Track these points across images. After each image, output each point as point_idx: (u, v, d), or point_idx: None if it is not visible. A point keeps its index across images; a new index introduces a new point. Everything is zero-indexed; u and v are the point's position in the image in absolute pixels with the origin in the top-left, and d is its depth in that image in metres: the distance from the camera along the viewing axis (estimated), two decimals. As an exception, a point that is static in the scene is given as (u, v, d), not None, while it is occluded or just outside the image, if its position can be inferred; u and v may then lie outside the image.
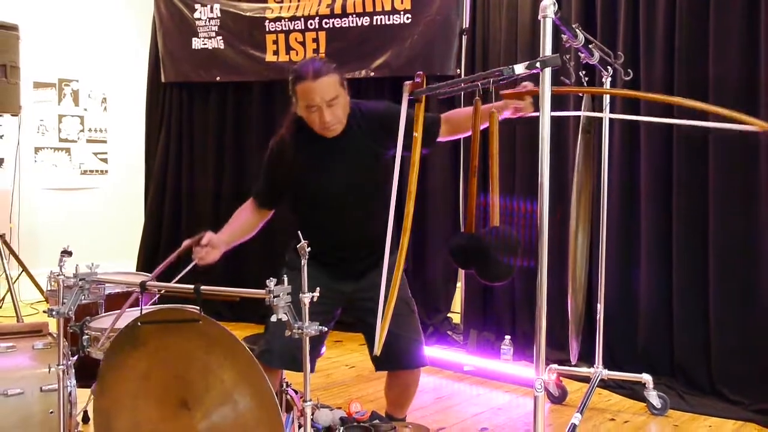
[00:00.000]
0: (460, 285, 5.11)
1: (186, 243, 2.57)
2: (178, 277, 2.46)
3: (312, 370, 2.56)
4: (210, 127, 5.80)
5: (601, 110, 3.72)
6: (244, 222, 2.75)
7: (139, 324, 2.12)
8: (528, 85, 2.56)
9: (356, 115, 2.66)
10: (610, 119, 3.79)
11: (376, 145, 2.66)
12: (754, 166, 3.72)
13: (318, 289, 1.97)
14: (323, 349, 2.89)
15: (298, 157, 2.65)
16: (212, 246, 2.56)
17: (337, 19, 5.20)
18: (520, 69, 2.16)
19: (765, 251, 3.68)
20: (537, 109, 2.24)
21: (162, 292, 2.44)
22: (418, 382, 2.93)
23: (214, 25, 5.65)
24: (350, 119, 2.64)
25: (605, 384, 4.01)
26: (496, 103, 2.58)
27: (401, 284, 2.75)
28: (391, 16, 5.04)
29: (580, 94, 3.56)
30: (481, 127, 2.45)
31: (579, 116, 3.56)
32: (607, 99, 3.71)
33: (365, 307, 2.63)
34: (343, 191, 2.66)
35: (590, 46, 3.14)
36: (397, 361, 2.76)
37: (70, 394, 2.42)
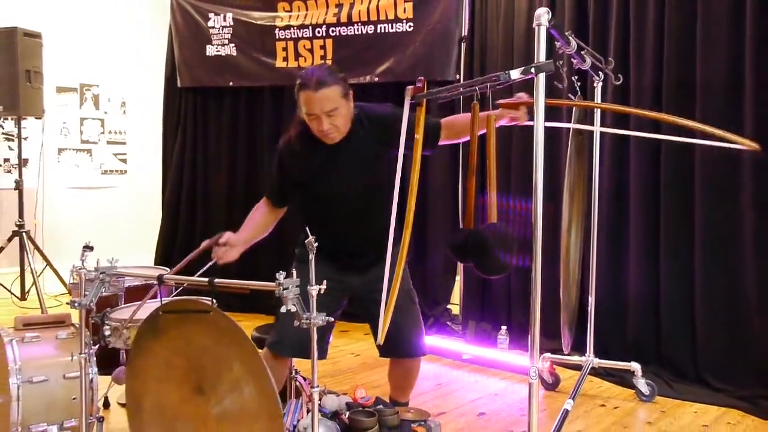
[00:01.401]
0: (459, 278, 5.11)
1: (205, 243, 2.56)
2: (199, 273, 2.45)
3: (323, 357, 2.58)
4: (223, 129, 5.80)
5: (592, 119, 3.72)
6: (259, 221, 2.74)
7: (160, 313, 2.14)
8: (523, 96, 2.56)
9: (361, 119, 2.64)
10: (601, 119, 3.78)
11: (380, 147, 2.64)
12: (738, 167, 3.71)
13: (325, 281, 1.98)
14: (330, 338, 2.89)
15: (306, 158, 2.64)
16: (231, 245, 2.56)
17: (343, 28, 5.20)
18: (515, 74, 2.15)
19: (747, 247, 3.68)
20: (531, 118, 2.24)
21: (185, 285, 2.44)
22: (419, 369, 2.94)
23: (227, 33, 5.65)
24: (354, 124, 2.62)
25: (596, 372, 4.01)
26: (494, 111, 2.58)
27: (404, 276, 2.75)
28: (394, 25, 5.04)
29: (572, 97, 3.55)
30: (480, 132, 2.45)
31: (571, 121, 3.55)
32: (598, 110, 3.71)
33: (370, 298, 2.63)
34: (349, 191, 2.66)
35: (582, 52, 3.13)
36: (399, 350, 2.77)
37: (91, 380, 2.43)
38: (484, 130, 2.42)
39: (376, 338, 2.68)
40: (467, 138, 2.75)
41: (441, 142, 2.77)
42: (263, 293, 2.04)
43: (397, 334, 2.61)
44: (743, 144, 2.47)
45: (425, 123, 2.72)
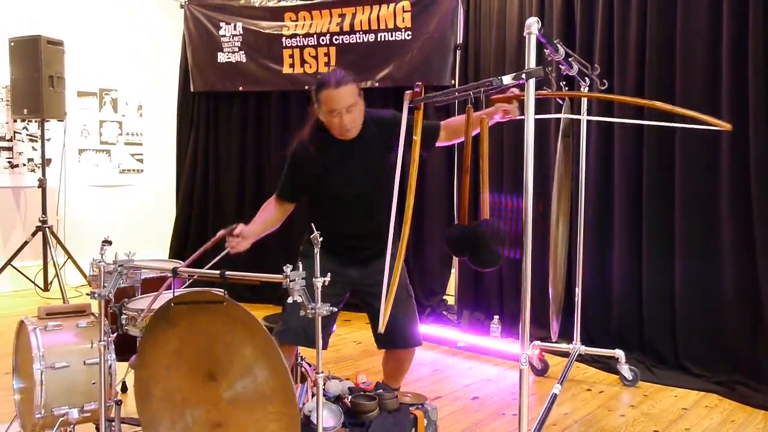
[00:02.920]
0: (454, 271, 5.11)
1: (221, 233, 2.58)
2: (212, 263, 2.50)
3: (325, 347, 2.58)
4: (233, 131, 5.80)
5: (579, 116, 3.71)
6: (269, 216, 2.75)
7: (171, 305, 2.13)
8: (515, 91, 2.57)
9: (367, 122, 2.66)
10: (587, 124, 3.78)
11: (385, 148, 2.66)
12: (716, 165, 3.71)
13: (329, 274, 1.98)
14: (334, 327, 2.90)
15: (319, 158, 2.65)
16: (243, 236, 2.58)
17: (346, 36, 5.19)
18: (507, 80, 2.15)
19: (725, 241, 3.68)
20: (522, 112, 2.25)
21: (195, 277, 2.45)
22: (412, 359, 2.93)
23: (237, 41, 5.64)
24: (363, 125, 2.65)
25: (582, 358, 4.01)
26: (487, 110, 2.59)
27: (402, 272, 2.76)
28: (393, 33, 5.03)
29: (561, 102, 3.55)
30: (473, 133, 2.45)
31: (560, 122, 3.55)
32: (584, 105, 3.71)
33: (370, 291, 2.63)
34: (356, 189, 2.66)
35: (570, 59, 3.12)
36: (395, 341, 2.76)
37: (110, 366, 2.43)
38: (478, 130, 2.42)
39: (375, 329, 2.69)
40: (460, 139, 2.76)
41: (438, 143, 2.78)
42: (272, 285, 2.03)
43: (394, 326, 2.60)
44: (716, 124, 2.51)
45: (426, 125, 2.74)
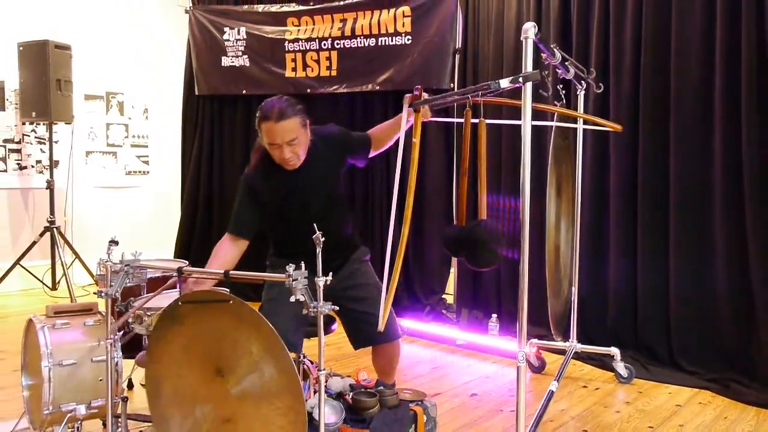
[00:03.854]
0: (453, 270, 5.11)
1: (171, 281, 2.40)
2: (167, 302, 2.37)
3: (294, 351, 2.55)
4: (237, 134, 5.80)
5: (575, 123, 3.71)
6: (225, 257, 2.55)
7: (179, 303, 2.13)
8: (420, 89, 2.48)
9: (316, 143, 2.61)
10: (584, 129, 3.78)
11: (337, 164, 2.66)
12: (709, 168, 3.71)
13: (330, 273, 1.98)
14: (334, 326, 2.90)
15: (270, 184, 2.59)
16: (199, 284, 2.42)
17: (347, 40, 5.19)
18: (505, 83, 2.16)
19: (718, 241, 3.68)
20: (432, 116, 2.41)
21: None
22: (399, 353, 2.89)
23: (241, 46, 5.64)
24: (311, 147, 2.58)
25: (579, 356, 4.01)
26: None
27: (369, 271, 2.79)
28: (394, 38, 5.03)
29: (557, 103, 3.55)
30: (407, 127, 2.45)
31: (554, 126, 3.55)
32: (581, 108, 3.70)
33: (343, 295, 2.61)
34: (313, 207, 2.61)
35: (566, 63, 3.13)
36: (374, 338, 2.73)
37: (116, 364, 2.42)
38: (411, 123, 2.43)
39: (349, 332, 2.78)
40: (390, 143, 2.78)
41: (371, 153, 2.79)
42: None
43: (370, 324, 2.55)
44: (608, 126, 2.56)
45: (355, 137, 2.76)
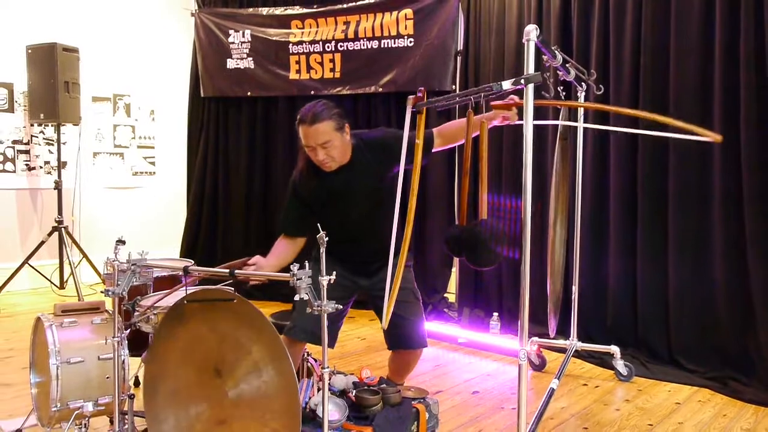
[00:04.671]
0: (455, 270, 5.11)
1: (235, 263, 2.49)
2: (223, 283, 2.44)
3: (332, 345, 2.58)
4: (242, 135, 5.80)
5: (576, 121, 3.71)
6: (283, 251, 2.67)
7: (184, 302, 2.13)
8: (515, 98, 2.56)
9: (360, 146, 2.62)
10: (584, 128, 3.78)
11: (381, 168, 2.63)
12: (708, 168, 3.70)
13: (334, 273, 1.98)
14: (341, 323, 2.90)
15: (312, 185, 2.63)
16: (259, 267, 2.52)
17: (351, 43, 5.20)
18: (506, 85, 2.15)
19: (716, 241, 3.67)
20: (520, 118, 2.25)
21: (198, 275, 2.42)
22: (418, 359, 2.91)
23: (246, 48, 5.65)
24: (356, 152, 2.61)
25: (579, 354, 4.01)
26: (487, 114, 2.57)
27: (409, 276, 2.78)
28: (396, 40, 5.03)
29: (558, 107, 3.54)
30: (473, 135, 2.45)
31: (557, 125, 3.55)
32: (581, 110, 3.70)
33: (379, 295, 2.61)
34: (356, 211, 2.64)
35: (567, 65, 3.12)
36: (404, 342, 2.76)
37: (123, 362, 2.43)
38: (478, 132, 2.42)
39: (387, 337, 2.74)
40: (459, 143, 2.75)
41: (435, 149, 2.76)
42: (279, 283, 2.02)
43: (402, 328, 2.65)
44: (707, 135, 2.46)
45: (411, 137, 2.71)
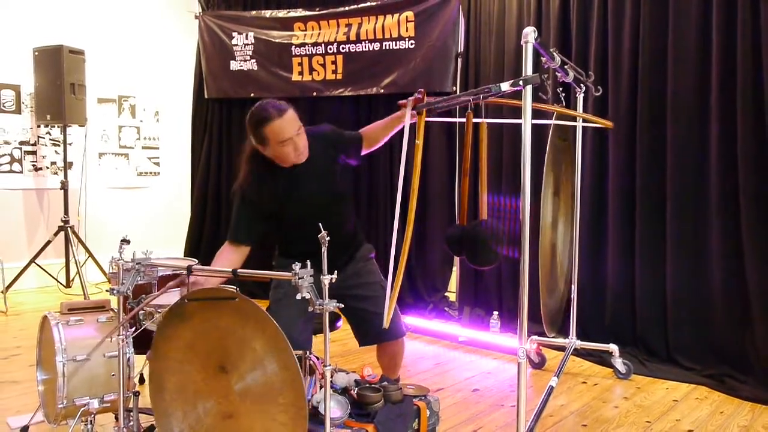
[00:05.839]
0: (455, 269, 5.10)
1: (171, 284, 2.36)
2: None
3: (308, 347, 2.55)
4: (245, 136, 5.77)
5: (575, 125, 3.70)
6: (228, 261, 2.53)
7: (186, 301, 2.13)
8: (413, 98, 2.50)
9: (311, 142, 2.57)
10: (583, 129, 3.77)
11: (330, 162, 2.61)
12: (706, 168, 3.70)
13: (335, 272, 1.98)
14: (339, 323, 2.90)
15: (268, 188, 2.55)
16: (198, 285, 2.36)
17: (353, 45, 5.20)
18: (505, 86, 2.15)
19: (714, 241, 3.67)
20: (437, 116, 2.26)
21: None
22: (403, 350, 2.88)
23: (249, 50, 5.65)
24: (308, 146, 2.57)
25: (578, 352, 4.00)
26: (396, 114, 2.61)
27: (373, 269, 2.77)
28: (397, 42, 5.03)
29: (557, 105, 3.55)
30: (398, 128, 2.49)
31: (553, 126, 3.55)
32: (580, 110, 3.70)
33: (349, 294, 2.60)
34: (314, 206, 2.57)
35: (566, 66, 3.12)
36: (380, 336, 2.72)
37: (128, 359, 2.43)
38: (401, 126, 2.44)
39: (355, 330, 2.77)
40: (381, 143, 2.76)
41: (363, 152, 2.75)
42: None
43: (375, 323, 2.58)
44: (601, 123, 2.56)
45: (347, 136, 2.71)
